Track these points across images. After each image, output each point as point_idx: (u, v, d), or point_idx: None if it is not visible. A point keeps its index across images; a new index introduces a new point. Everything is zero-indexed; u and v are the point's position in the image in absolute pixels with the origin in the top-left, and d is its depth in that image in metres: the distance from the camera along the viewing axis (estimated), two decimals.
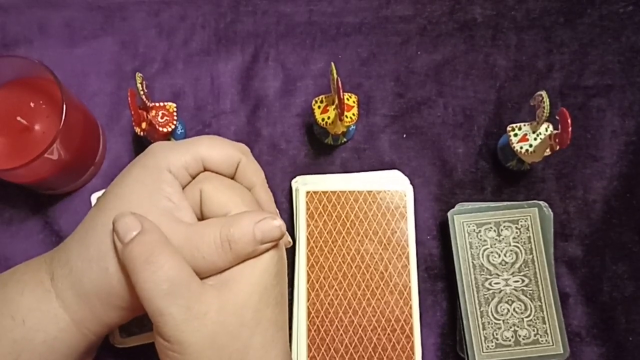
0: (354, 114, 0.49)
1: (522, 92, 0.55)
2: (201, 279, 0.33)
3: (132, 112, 0.45)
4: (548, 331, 0.47)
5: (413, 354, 0.47)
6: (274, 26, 0.56)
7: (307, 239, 0.49)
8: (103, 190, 0.48)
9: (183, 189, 0.37)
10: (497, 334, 0.47)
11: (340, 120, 0.47)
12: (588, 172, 0.53)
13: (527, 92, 0.55)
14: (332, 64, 0.46)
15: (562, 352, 0.47)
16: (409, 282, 0.48)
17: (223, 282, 0.33)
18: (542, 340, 0.47)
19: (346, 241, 0.49)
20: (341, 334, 0.47)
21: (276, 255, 0.35)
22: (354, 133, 0.54)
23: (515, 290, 0.48)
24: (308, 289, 0.48)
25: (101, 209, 0.35)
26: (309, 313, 0.48)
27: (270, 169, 0.53)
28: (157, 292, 0.31)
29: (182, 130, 0.53)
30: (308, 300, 0.48)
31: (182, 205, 0.35)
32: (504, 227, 0.49)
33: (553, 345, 0.47)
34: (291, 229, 0.50)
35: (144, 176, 0.35)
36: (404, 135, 0.54)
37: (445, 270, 0.51)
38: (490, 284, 0.48)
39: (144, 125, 0.47)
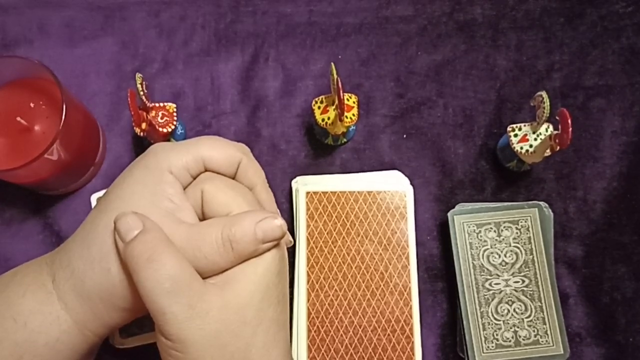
0: (354, 115, 0.49)
1: (522, 92, 0.55)
2: (203, 278, 0.33)
3: (132, 113, 0.45)
4: (548, 332, 0.47)
5: (413, 354, 0.47)
6: (274, 26, 0.56)
7: (307, 239, 0.49)
8: (103, 191, 0.48)
9: (184, 189, 0.37)
10: (497, 335, 0.47)
11: (340, 120, 0.47)
12: (588, 172, 0.53)
13: (527, 92, 0.55)
14: (332, 64, 0.45)
15: (562, 352, 0.47)
16: (409, 282, 0.48)
17: (225, 281, 0.33)
18: (542, 341, 0.47)
19: (346, 241, 0.49)
20: (341, 335, 0.47)
21: (278, 254, 0.35)
22: (354, 133, 0.54)
23: (516, 291, 0.48)
24: (308, 289, 0.48)
25: (102, 210, 0.35)
26: (309, 313, 0.48)
27: (270, 169, 0.53)
28: (159, 291, 0.31)
29: (182, 131, 0.53)
30: (308, 301, 0.48)
31: (183, 206, 0.35)
32: (504, 227, 0.49)
33: (553, 345, 0.47)
34: (291, 229, 0.50)
35: (145, 177, 0.35)
36: (404, 136, 0.54)
37: (445, 271, 0.51)
38: (490, 284, 0.48)
39: (143, 125, 0.47)
